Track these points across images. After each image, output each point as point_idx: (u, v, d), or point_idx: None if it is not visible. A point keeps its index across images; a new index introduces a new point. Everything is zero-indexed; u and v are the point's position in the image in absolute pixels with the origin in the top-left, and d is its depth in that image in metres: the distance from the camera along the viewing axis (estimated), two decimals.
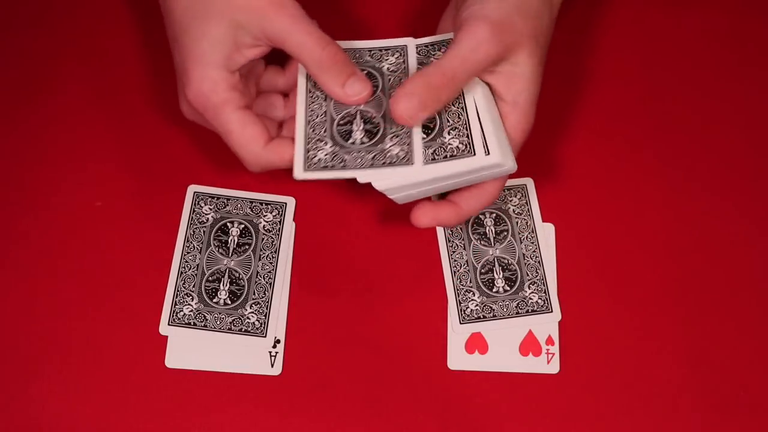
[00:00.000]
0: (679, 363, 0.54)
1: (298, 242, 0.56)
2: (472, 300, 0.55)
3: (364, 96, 0.48)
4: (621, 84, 0.61)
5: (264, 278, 0.55)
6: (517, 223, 0.57)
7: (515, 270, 0.56)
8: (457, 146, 0.46)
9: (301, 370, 0.54)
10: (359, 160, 0.46)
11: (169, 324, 0.53)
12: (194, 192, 0.57)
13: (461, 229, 0.57)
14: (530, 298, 0.55)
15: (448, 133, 0.47)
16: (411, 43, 0.51)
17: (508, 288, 0.55)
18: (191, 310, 0.54)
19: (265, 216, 0.56)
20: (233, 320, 0.54)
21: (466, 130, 0.47)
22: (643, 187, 0.58)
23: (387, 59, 0.50)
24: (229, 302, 0.54)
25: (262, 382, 0.53)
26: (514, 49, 0.47)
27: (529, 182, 0.58)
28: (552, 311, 0.55)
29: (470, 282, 0.55)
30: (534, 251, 0.56)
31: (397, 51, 0.51)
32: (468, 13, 0.47)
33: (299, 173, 0.47)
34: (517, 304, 0.55)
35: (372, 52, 0.51)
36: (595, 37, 0.62)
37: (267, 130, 0.48)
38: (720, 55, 0.61)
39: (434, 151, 0.46)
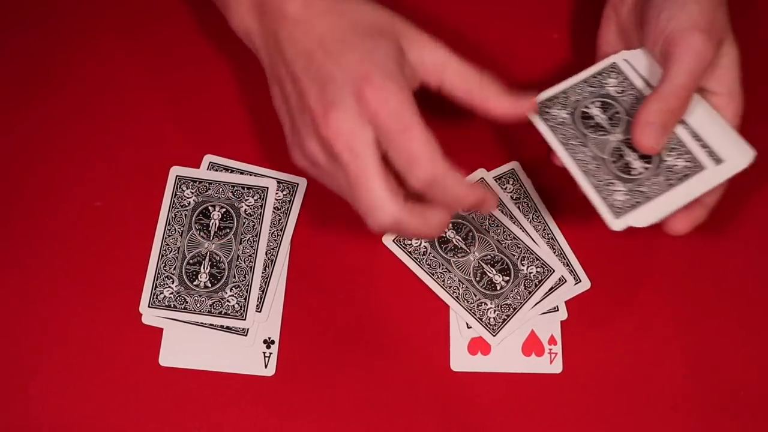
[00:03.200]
0: (681, 363, 0.53)
1: (296, 241, 0.56)
2: (489, 308, 0.54)
3: (533, 101, 0.48)
4: None
5: (245, 262, 0.55)
6: (473, 218, 0.56)
7: (501, 258, 0.55)
8: (685, 165, 0.47)
9: (296, 371, 0.53)
10: (656, 186, 0.47)
11: (149, 306, 0.53)
12: (176, 175, 0.57)
13: (434, 256, 0.56)
14: (529, 273, 0.55)
15: (668, 156, 0.48)
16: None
17: (508, 278, 0.55)
18: (171, 293, 0.54)
19: (246, 200, 0.56)
20: (213, 303, 0.54)
21: (683, 147, 0.48)
22: None
23: (607, 83, 0.52)
24: (210, 285, 0.54)
25: (255, 382, 0.53)
26: (722, 42, 0.48)
27: (516, 165, 0.58)
28: (554, 270, 0.55)
29: (475, 295, 0.55)
30: (503, 231, 0.56)
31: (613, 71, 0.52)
32: (675, 24, 0.47)
33: (615, 224, 0.47)
34: (524, 285, 0.55)
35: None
36: (595, 37, 0.62)
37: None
38: None
39: (666, 177, 0.47)
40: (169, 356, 0.53)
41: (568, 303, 0.55)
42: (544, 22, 0.62)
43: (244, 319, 0.53)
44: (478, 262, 0.55)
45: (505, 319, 0.54)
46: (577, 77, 0.52)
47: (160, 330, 0.53)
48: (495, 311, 0.54)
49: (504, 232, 0.56)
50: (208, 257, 0.55)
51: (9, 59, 0.60)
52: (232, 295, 0.54)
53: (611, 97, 0.50)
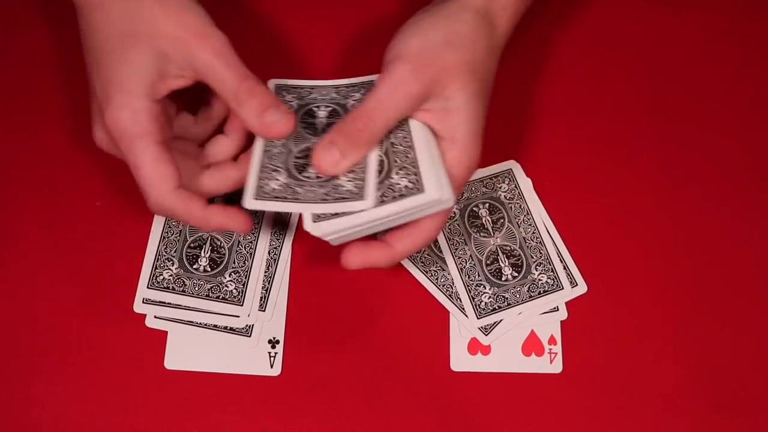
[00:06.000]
0: (681, 362, 0.54)
1: (297, 240, 0.56)
2: (485, 293, 0.55)
3: (282, 126, 0.46)
4: (621, 83, 0.61)
5: (245, 248, 0.55)
6: (511, 208, 0.57)
7: (519, 255, 0.56)
8: (406, 185, 0.45)
9: (301, 371, 0.53)
10: (311, 194, 0.45)
11: (148, 287, 0.53)
12: None
13: (459, 224, 0.56)
14: (539, 280, 0.55)
15: (396, 173, 0.46)
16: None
17: (516, 274, 0.55)
18: (171, 275, 0.54)
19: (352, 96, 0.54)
20: (212, 287, 0.54)
21: (415, 168, 0.45)
22: (643, 187, 0.58)
23: (353, 95, 0.51)
24: (209, 269, 0.54)
25: (261, 383, 0.53)
26: (442, 83, 0.45)
27: (515, 165, 0.58)
28: (563, 288, 0.55)
29: (479, 275, 0.55)
30: (533, 233, 0.56)
31: (363, 87, 0.51)
32: (392, 54, 0.46)
33: (249, 202, 0.45)
34: (528, 288, 0.55)
35: (338, 88, 0.51)
36: (594, 37, 0.62)
37: (179, 173, 0.46)
38: (720, 55, 0.61)
39: (383, 193, 0.45)
40: (174, 359, 0.53)
41: (568, 303, 0.55)
42: None
43: (242, 305, 0.53)
44: (497, 248, 0.56)
45: (495, 309, 0.54)
46: (331, 81, 0.52)
47: (164, 333, 0.54)
48: (490, 297, 0.55)
49: (533, 233, 0.56)
50: (209, 241, 0.55)
51: (9, 59, 0.59)
52: (231, 281, 0.54)
53: (345, 108, 0.50)
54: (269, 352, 0.54)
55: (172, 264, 0.54)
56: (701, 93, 0.60)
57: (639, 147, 0.59)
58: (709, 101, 0.60)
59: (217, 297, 0.53)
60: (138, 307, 0.54)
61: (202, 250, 0.54)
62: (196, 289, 0.53)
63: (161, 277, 0.54)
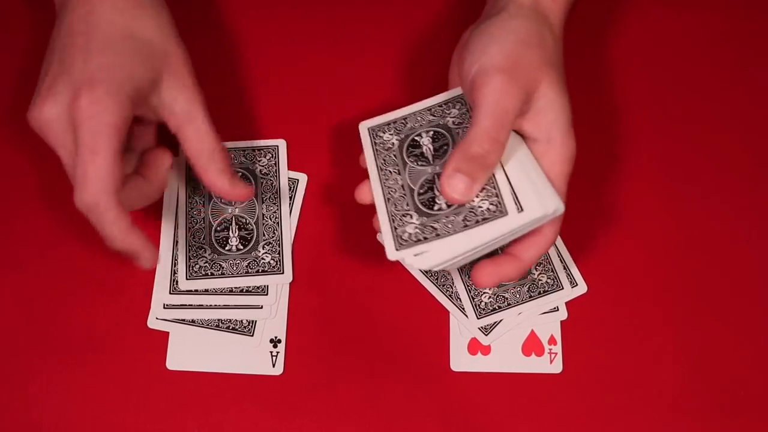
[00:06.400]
0: (681, 362, 0.54)
1: (298, 241, 0.56)
2: (485, 293, 0.55)
3: (247, 193, 0.50)
4: (621, 83, 0.61)
5: (271, 219, 0.55)
6: None
7: None
8: (488, 208, 0.45)
9: (303, 370, 0.54)
10: (450, 225, 0.45)
11: (187, 278, 0.54)
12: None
13: None
14: (539, 280, 0.55)
15: (476, 196, 0.45)
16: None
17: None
18: (206, 261, 0.54)
19: (260, 161, 0.57)
20: (249, 263, 0.54)
21: (494, 189, 0.45)
22: (644, 187, 0.58)
23: (449, 113, 0.50)
24: (242, 247, 0.55)
25: (263, 382, 0.53)
26: (534, 84, 0.45)
27: None
28: (563, 288, 0.55)
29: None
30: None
31: (457, 102, 0.50)
32: (477, 69, 0.45)
33: (392, 254, 0.45)
34: (528, 288, 0.55)
35: (432, 109, 0.50)
36: (595, 37, 0.62)
37: (123, 180, 0.45)
38: (720, 55, 0.61)
39: (464, 217, 0.45)
40: (176, 360, 0.53)
41: (568, 303, 0.55)
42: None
43: (283, 273, 0.54)
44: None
45: (495, 309, 0.54)
46: (422, 104, 0.50)
47: (166, 333, 0.54)
48: (490, 297, 0.55)
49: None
50: (234, 221, 0.55)
51: (9, 60, 0.59)
52: (266, 252, 0.55)
53: (447, 128, 0.49)
54: (271, 352, 0.54)
55: (204, 251, 0.54)
56: (701, 93, 0.60)
57: (639, 147, 0.59)
58: (709, 101, 0.60)
59: (257, 271, 0.54)
60: (157, 313, 0.54)
61: (230, 231, 0.55)
62: (235, 268, 0.54)
63: (198, 266, 0.54)
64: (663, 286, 0.56)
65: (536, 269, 0.55)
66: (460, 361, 0.54)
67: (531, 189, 0.45)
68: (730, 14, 0.62)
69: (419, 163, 0.48)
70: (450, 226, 0.45)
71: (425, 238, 0.44)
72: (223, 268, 0.54)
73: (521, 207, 0.44)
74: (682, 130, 0.60)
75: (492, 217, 0.44)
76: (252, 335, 0.54)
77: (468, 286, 0.55)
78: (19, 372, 0.53)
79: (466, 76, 0.47)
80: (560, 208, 0.45)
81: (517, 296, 0.55)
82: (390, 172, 0.48)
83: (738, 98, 0.60)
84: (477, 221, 0.44)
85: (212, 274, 0.54)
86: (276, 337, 0.54)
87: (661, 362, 0.54)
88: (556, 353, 0.54)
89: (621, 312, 0.55)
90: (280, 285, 0.55)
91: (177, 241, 0.55)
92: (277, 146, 0.58)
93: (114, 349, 0.53)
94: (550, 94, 0.46)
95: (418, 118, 0.50)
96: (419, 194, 0.46)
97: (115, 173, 0.44)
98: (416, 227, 0.45)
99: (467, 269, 0.55)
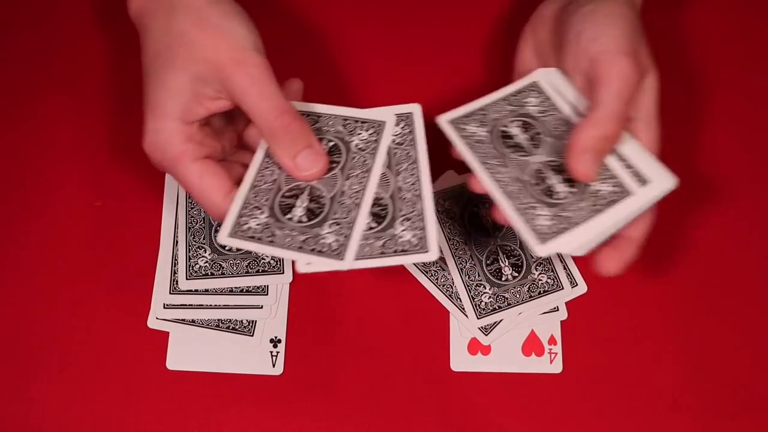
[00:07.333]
0: (681, 362, 0.55)
1: None
2: (485, 293, 0.55)
3: (314, 172, 0.47)
4: None
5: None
6: None
7: (519, 255, 0.56)
8: (611, 190, 0.45)
9: (303, 370, 0.54)
10: (288, 239, 0.45)
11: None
12: None
13: (459, 224, 0.56)
14: (539, 280, 0.55)
15: (593, 181, 0.46)
16: (391, 119, 0.49)
17: (516, 274, 0.55)
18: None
19: (359, 134, 0.50)
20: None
21: (608, 171, 0.46)
22: None
23: (359, 134, 0.48)
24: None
25: (263, 382, 0.53)
26: (645, 71, 0.47)
27: None
28: (563, 288, 0.55)
29: (479, 275, 0.55)
30: None
31: (373, 126, 0.49)
32: (599, 47, 0.46)
33: (222, 237, 0.45)
34: (528, 288, 0.55)
35: (347, 122, 0.49)
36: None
37: (229, 181, 0.47)
38: (720, 55, 0.61)
39: (592, 203, 0.45)
40: (176, 360, 0.53)
41: (568, 303, 0.55)
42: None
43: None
44: (496, 248, 0.56)
45: (495, 309, 0.54)
46: (496, 95, 0.50)
47: (166, 333, 0.54)
48: (490, 297, 0.55)
49: None
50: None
51: (9, 59, 0.59)
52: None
53: (532, 116, 0.49)
54: (271, 351, 0.54)
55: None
56: (701, 93, 0.61)
57: None
58: (709, 101, 0.60)
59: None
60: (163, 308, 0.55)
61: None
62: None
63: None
64: (663, 286, 0.56)
65: (536, 269, 0.55)
66: (460, 361, 0.54)
67: (649, 166, 0.46)
68: (730, 14, 0.63)
69: (519, 153, 0.47)
70: (582, 212, 0.45)
71: (564, 228, 0.44)
72: (223, 268, 0.54)
73: (646, 181, 0.45)
74: (682, 130, 0.60)
75: (618, 197, 0.45)
76: (252, 335, 0.54)
77: (468, 286, 0.55)
78: (19, 372, 0.53)
79: (580, 51, 0.47)
80: (674, 180, 0.46)
81: (517, 296, 0.55)
82: (494, 165, 0.47)
83: (738, 98, 0.61)
84: (605, 204, 0.45)
85: (212, 274, 0.54)
86: (276, 337, 0.54)
87: (660, 362, 0.54)
88: (556, 353, 0.54)
89: (621, 312, 0.55)
90: (280, 285, 0.55)
91: (177, 241, 0.55)
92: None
93: (114, 349, 0.53)
94: (651, 78, 0.47)
95: (497, 109, 0.49)
96: (534, 185, 0.46)
97: (212, 187, 0.47)
98: (549, 219, 0.45)
99: (467, 269, 0.55)
